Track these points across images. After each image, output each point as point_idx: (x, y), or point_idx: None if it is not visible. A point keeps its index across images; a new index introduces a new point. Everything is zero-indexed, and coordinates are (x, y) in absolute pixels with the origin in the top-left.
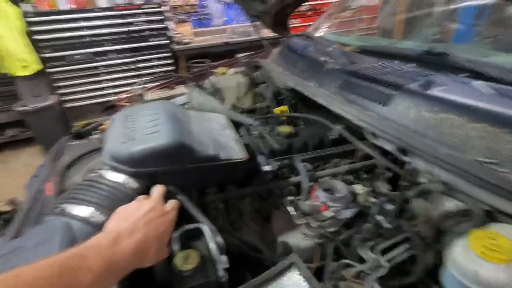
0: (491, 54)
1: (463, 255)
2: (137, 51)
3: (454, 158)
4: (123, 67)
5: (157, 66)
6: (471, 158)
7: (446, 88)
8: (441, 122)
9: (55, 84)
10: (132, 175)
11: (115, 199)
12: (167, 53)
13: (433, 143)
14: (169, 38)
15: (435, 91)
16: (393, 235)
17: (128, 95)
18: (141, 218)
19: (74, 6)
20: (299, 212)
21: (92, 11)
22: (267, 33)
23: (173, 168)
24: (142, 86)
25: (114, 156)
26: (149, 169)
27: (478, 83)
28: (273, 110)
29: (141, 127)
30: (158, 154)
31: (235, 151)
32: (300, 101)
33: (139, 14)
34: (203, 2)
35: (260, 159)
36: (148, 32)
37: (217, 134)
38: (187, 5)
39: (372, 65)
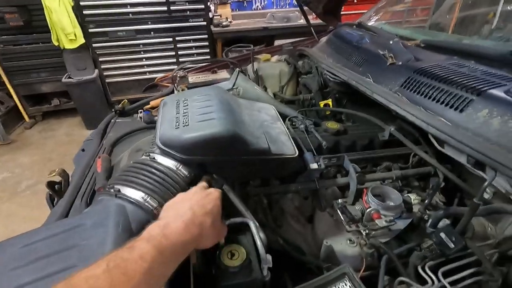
0: None
1: None
2: (176, 31)
3: None
4: (162, 46)
5: (195, 47)
6: None
7: None
8: None
9: (99, 59)
10: (183, 162)
11: (165, 185)
12: (204, 34)
13: None
14: (208, 19)
15: None
16: (456, 255)
17: (170, 75)
18: (186, 202)
19: None
20: (347, 216)
21: None
22: (313, 19)
23: (225, 158)
24: (184, 67)
25: (166, 141)
26: (201, 157)
27: None
28: (319, 103)
29: (194, 113)
30: (211, 143)
31: (286, 146)
32: (348, 97)
33: None
34: None
35: (308, 155)
36: (188, 13)
37: (268, 127)
38: None
39: (442, 63)
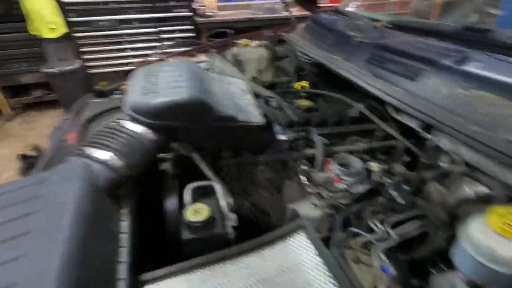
0: None
1: (480, 231)
2: (160, 22)
3: (484, 137)
4: (146, 37)
5: (180, 38)
6: (503, 137)
7: (483, 65)
8: (474, 100)
9: (80, 49)
10: (150, 127)
11: (132, 147)
12: (189, 25)
13: (463, 121)
14: (193, 10)
15: (471, 68)
16: (406, 210)
17: (150, 59)
18: None
19: None
20: (312, 182)
21: None
22: (297, 11)
23: (192, 124)
24: (163, 51)
25: (135, 107)
26: (168, 123)
27: None
28: (294, 85)
29: (163, 82)
30: (178, 108)
31: (253, 115)
32: (323, 78)
33: None
34: None
35: (277, 128)
36: (172, 3)
37: (237, 98)
38: None
39: (403, 40)
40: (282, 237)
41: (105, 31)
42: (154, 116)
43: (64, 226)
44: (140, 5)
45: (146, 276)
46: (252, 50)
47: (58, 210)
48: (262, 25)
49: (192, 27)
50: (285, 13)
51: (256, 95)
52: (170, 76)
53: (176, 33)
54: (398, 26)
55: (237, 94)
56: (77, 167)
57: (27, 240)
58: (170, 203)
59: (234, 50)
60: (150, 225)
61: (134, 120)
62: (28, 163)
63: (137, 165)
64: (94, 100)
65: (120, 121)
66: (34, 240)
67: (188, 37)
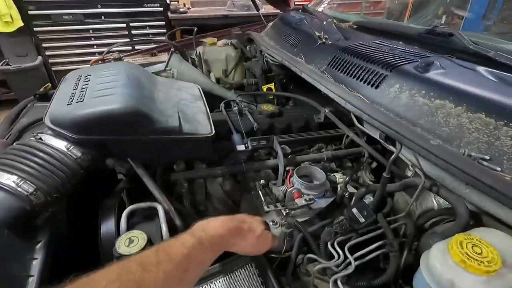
0: (501, 42)
1: (440, 261)
2: (130, 16)
3: (444, 151)
4: (114, 32)
5: (151, 34)
6: (462, 152)
7: (446, 72)
8: (435, 109)
9: (42, 45)
10: (75, 142)
11: (49, 167)
12: (161, 21)
13: (424, 133)
14: (165, 5)
15: (432, 74)
16: (368, 230)
17: (104, 57)
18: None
19: None
20: (270, 197)
21: None
22: (269, 9)
23: (128, 138)
24: (113, 49)
25: (56, 119)
26: (97, 137)
27: (482, 69)
28: (262, 87)
29: (93, 89)
30: (107, 120)
31: (202, 125)
32: (291, 80)
33: None
34: None
35: (235, 137)
36: None
37: (186, 105)
38: None
39: (367, 42)
40: (232, 269)
41: (69, 25)
42: (79, 130)
43: None
44: (108, 3)
45: None
46: (218, 49)
47: None
48: (237, 23)
49: (164, 23)
50: (262, 11)
51: (221, 99)
52: (103, 81)
53: (146, 29)
54: (365, 27)
55: (185, 101)
56: None
57: None
58: (105, 232)
59: (200, 49)
60: (83, 254)
61: (57, 134)
62: None
63: (57, 189)
64: (37, 105)
65: (39, 135)
66: None
67: (160, 33)
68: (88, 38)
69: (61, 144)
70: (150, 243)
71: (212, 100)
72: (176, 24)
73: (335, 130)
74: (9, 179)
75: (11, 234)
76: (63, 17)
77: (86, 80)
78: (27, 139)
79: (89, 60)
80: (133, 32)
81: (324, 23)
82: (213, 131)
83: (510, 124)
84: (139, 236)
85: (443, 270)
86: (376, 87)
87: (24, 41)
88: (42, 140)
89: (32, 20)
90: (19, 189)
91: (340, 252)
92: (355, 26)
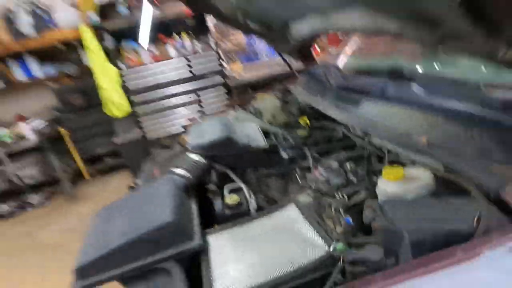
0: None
1: (380, 181)
2: (200, 90)
3: (392, 133)
4: (189, 105)
5: (215, 96)
6: (404, 133)
7: (395, 90)
8: (389, 114)
9: (140, 122)
10: (203, 156)
11: (194, 166)
12: (223, 89)
13: (386, 128)
14: (224, 75)
15: (389, 93)
16: (357, 185)
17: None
18: None
19: (152, 60)
20: (306, 181)
21: (166, 62)
22: (300, 65)
23: (225, 153)
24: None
25: (194, 146)
26: (210, 153)
27: (414, 85)
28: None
29: (205, 131)
30: (214, 144)
31: (261, 143)
32: (319, 114)
33: (200, 60)
34: (251, 42)
35: (281, 150)
36: (207, 73)
37: (250, 133)
38: (237, 47)
39: (356, 81)
40: (281, 207)
41: (158, 105)
42: (203, 150)
43: (166, 199)
44: (183, 77)
45: (208, 230)
46: (266, 100)
47: (156, 199)
48: (281, 78)
49: (225, 90)
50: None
51: (269, 133)
52: (210, 126)
53: (212, 95)
54: (358, 71)
55: (250, 132)
56: (169, 178)
57: (150, 206)
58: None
59: (254, 103)
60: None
61: (194, 153)
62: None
63: (197, 176)
64: (162, 151)
65: (187, 154)
66: (153, 205)
67: (224, 99)
68: (171, 113)
69: (196, 157)
70: (241, 201)
71: (264, 134)
72: (233, 87)
73: (349, 141)
74: (181, 172)
75: (183, 193)
76: (153, 98)
77: (201, 127)
78: (180, 158)
79: (172, 128)
80: (201, 98)
81: (332, 73)
82: (267, 145)
83: None
84: (235, 197)
85: (381, 185)
86: (358, 107)
87: (130, 120)
88: (188, 155)
89: (135, 105)
90: (185, 175)
91: (342, 197)
92: (353, 72)
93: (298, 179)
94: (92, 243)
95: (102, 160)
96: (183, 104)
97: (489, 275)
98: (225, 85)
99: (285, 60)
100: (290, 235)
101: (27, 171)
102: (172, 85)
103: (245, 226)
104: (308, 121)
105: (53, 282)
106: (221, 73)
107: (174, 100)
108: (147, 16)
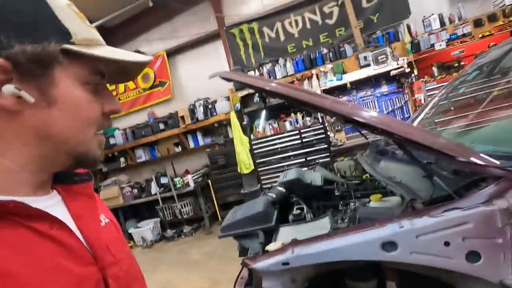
0: None
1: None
2: (307, 154)
3: (384, 175)
4: (298, 165)
5: (320, 159)
6: (388, 175)
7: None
8: (390, 167)
9: (260, 177)
10: (284, 188)
11: (278, 193)
12: (326, 153)
13: (387, 173)
14: (328, 142)
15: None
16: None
17: None
18: None
19: (273, 133)
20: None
21: (282, 133)
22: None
23: (296, 187)
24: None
25: (279, 182)
26: (288, 186)
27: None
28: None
29: (289, 174)
30: (289, 181)
31: (318, 183)
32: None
33: (309, 131)
34: None
35: (336, 190)
36: (314, 141)
37: (314, 178)
38: None
39: (382, 148)
40: (322, 217)
41: (273, 164)
42: (284, 185)
43: (261, 204)
44: (295, 146)
45: (282, 224)
46: (345, 161)
47: (257, 204)
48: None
49: (328, 153)
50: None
51: (333, 181)
52: (292, 171)
53: (318, 158)
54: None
55: (315, 177)
56: (264, 197)
57: (254, 205)
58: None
59: (335, 164)
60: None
61: (279, 185)
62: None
63: (279, 198)
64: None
65: (276, 186)
66: (255, 205)
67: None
68: (282, 171)
69: (281, 188)
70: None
71: (331, 181)
72: (335, 152)
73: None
74: (270, 194)
75: (270, 204)
76: (272, 160)
77: (283, 173)
78: (272, 188)
79: None
80: (308, 159)
81: (380, 144)
82: (322, 184)
83: None
84: (298, 212)
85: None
86: (378, 165)
87: (253, 176)
88: (276, 188)
89: (258, 166)
90: (272, 196)
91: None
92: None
93: (340, 207)
94: (229, 218)
95: (232, 206)
96: (294, 164)
97: None
98: (327, 149)
99: (361, 133)
100: (320, 229)
101: (185, 209)
102: (286, 152)
103: (300, 225)
104: (367, 175)
105: (194, 282)
106: (325, 140)
107: (286, 162)
108: (264, 108)
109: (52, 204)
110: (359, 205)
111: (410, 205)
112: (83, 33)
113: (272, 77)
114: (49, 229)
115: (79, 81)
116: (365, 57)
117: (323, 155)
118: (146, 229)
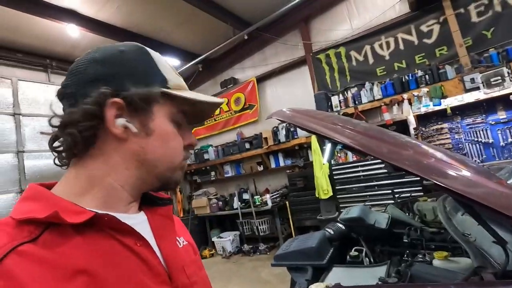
0: None
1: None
2: (395, 185)
3: (457, 229)
4: (383, 196)
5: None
6: (462, 231)
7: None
8: (463, 221)
9: (339, 205)
10: (344, 226)
11: (337, 229)
12: (418, 187)
13: (460, 227)
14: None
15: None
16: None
17: None
18: None
19: (356, 159)
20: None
21: (367, 162)
22: None
23: (357, 226)
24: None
25: (340, 218)
26: (348, 224)
27: None
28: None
29: (352, 212)
30: (350, 219)
31: (382, 225)
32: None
33: None
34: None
35: (405, 236)
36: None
37: (379, 219)
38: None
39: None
40: (380, 264)
41: (355, 193)
42: (345, 222)
43: (317, 239)
44: (381, 176)
45: (336, 264)
46: (427, 203)
47: (313, 237)
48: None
49: (420, 187)
50: None
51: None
52: (356, 209)
53: (406, 193)
54: None
55: (380, 218)
56: (322, 231)
57: (310, 239)
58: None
59: (416, 204)
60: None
61: (340, 222)
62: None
63: (338, 235)
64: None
65: (337, 222)
66: (311, 239)
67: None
68: (366, 201)
69: (340, 225)
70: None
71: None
72: (430, 187)
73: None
74: (328, 229)
75: (326, 240)
76: (353, 189)
77: (348, 209)
78: (332, 223)
79: None
80: (396, 195)
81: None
82: (386, 227)
83: None
84: (356, 254)
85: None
86: (456, 216)
87: (331, 203)
88: (336, 224)
89: (337, 192)
90: (330, 232)
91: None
92: None
93: (406, 256)
94: (283, 248)
95: (308, 231)
96: (378, 195)
97: None
98: (419, 181)
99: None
100: (374, 277)
101: (262, 226)
102: (370, 181)
103: (354, 269)
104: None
105: None
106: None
107: (368, 191)
108: None
109: (139, 222)
110: (420, 259)
111: (478, 274)
112: (175, 80)
113: (357, 102)
114: (134, 245)
115: (169, 118)
116: (472, 79)
117: (414, 188)
118: (226, 240)
